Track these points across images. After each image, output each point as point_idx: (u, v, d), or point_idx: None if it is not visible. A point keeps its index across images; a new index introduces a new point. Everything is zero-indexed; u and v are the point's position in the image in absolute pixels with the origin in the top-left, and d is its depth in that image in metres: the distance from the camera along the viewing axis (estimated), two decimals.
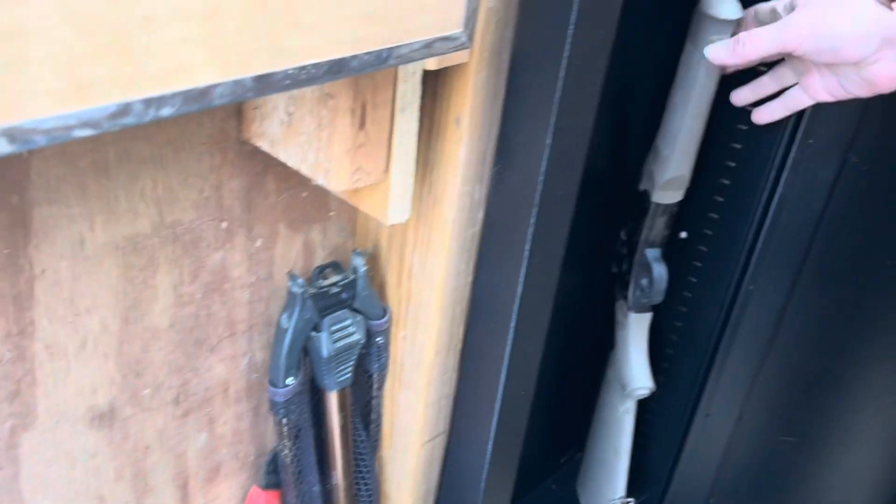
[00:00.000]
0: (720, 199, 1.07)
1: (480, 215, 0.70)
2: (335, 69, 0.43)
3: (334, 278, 0.72)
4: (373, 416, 0.83)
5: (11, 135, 0.32)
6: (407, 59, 0.47)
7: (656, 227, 1.07)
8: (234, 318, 0.71)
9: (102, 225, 0.57)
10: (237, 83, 0.39)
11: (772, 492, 1.25)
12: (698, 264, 1.12)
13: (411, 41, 0.47)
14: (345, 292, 0.72)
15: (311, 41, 0.41)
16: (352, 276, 0.73)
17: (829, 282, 1.05)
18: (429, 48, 0.48)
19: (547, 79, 0.57)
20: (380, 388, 0.81)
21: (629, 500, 1.21)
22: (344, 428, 0.78)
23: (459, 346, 0.76)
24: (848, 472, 1.21)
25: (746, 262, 1.05)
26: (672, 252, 1.13)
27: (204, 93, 0.38)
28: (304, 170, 0.59)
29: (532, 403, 1.21)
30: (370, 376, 0.80)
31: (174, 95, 0.37)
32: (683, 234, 1.13)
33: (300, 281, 0.69)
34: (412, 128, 0.60)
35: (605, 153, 1.05)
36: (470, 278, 0.73)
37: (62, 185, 0.54)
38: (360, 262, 0.73)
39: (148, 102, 0.36)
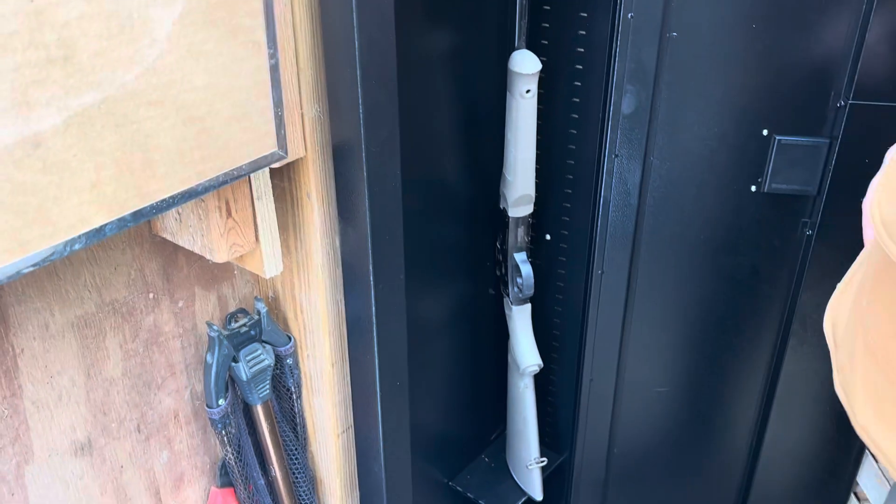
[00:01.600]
0: (568, 205, 1.32)
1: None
2: (186, 196, 0.67)
3: (243, 321, 0.96)
4: (298, 420, 1.06)
5: None
6: (238, 177, 0.71)
7: (518, 235, 1.32)
8: (171, 361, 0.95)
9: (59, 311, 0.81)
10: (120, 220, 0.63)
11: (661, 436, 1.49)
12: (563, 259, 1.38)
13: (240, 165, 0.71)
14: (253, 330, 0.96)
15: (165, 184, 0.65)
16: (257, 317, 0.97)
17: (658, 258, 1.30)
18: (255, 165, 0.72)
19: (355, 163, 0.81)
20: (298, 397, 1.05)
21: (542, 459, 1.45)
22: (272, 432, 1.02)
23: (348, 356, 1.00)
24: (717, 410, 1.45)
25: (592, 253, 1.30)
26: (543, 252, 1.39)
27: (99, 230, 0.62)
28: (196, 250, 0.83)
29: (457, 392, 1.45)
30: (289, 390, 1.04)
31: (80, 236, 0.61)
32: (548, 237, 1.39)
33: (215, 327, 0.93)
34: (270, 209, 0.84)
35: (474, 183, 1.30)
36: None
37: (26, 288, 0.78)
38: (261, 306, 0.97)
39: (66, 244, 0.60)
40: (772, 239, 1.26)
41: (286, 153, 0.75)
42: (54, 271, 0.79)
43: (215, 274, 0.96)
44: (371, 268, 0.87)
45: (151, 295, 0.89)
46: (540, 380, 1.44)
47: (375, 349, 0.93)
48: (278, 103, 0.72)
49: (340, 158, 0.83)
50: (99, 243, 0.83)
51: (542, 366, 1.37)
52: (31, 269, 0.58)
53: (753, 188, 1.21)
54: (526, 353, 1.37)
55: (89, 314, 0.84)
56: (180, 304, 0.93)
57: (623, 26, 1.09)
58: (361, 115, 0.78)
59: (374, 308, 0.90)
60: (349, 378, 1.01)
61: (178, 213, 0.82)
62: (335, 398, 1.03)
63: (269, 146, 0.73)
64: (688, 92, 1.14)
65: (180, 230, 0.83)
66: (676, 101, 1.15)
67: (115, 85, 0.59)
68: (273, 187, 0.86)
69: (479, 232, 1.35)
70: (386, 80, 0.78)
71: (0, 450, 0.80)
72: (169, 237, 0.85)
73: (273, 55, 0.70)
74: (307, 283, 0.95)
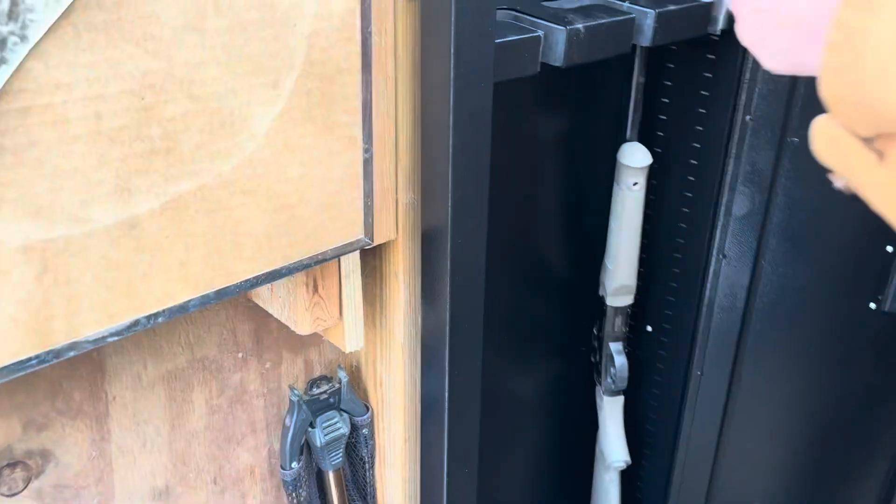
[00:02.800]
0: (672, 299, 1.28)
1: None
2: (271, 277, 0.70)
3: (324, 387, 0.99)
4: (368, 490, 1.07)
5: (75, 347, 0.60)
6: (323, 261, 0.74)
7: (616, 325, 1.29)
8: (253, 419, 0.98)
9: (152, 364, 0.86)
10: (204, 297, 0.66)
11: None
12: (662, 353, 1.33)
13: (325, 250, 0.73)
14: (332, 398, 0.99)
15: (251, 265, 0.69)
16: (337, 385, 0.99)
17: (763, 366, 1.23)
18: (339, 251, 0.75)
19: (440, 252, 0.82)
20: (371, 467, 1.06)
21: None
22: (342, 499, 1.03)
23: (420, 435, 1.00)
24: None
25: (693, 352, 1.25)
26: (642, 344, 1.35)
27: (183, 307, 0.65)
28: (283, 319, 0.86)
29: (539, 478, 1.42)
30: (362, 459, 1.05)
31: (164, 311, 0.64)
32: (649, 328, 1.34)
33: (297, 391, 0.95)
34: (357, 287, 0.86)
35: (574, 267, 1.29)
36: None
37: (125, 342, 0.83)
38: (342, 375, 0.99)
39: (149, 318, 0.64)
40: (890, 360, 1.17)
41: (372, 240, 0.77)
42: (152, 328, 0.84)
43: (304, 339, 0.99)
44: (447, 353, 0.88)
45: (241, 355, 0.93)
46: (627, 474, 1.38)
47: (445, 433, 0.93)
48: (368, 194, 0.74)
49: (427, 245, 0.84)
50: None
51: (631, 462, 1.33)
52: (115, 338, 0.62)
53: (873, 305, 1.13)
54: (614, 447, 1.33)
55: (179, 369, 0.88)
56: (267, 365, 0.97)
57: (741, 128, 1.05)
58: (450, 209, 0.79)
59: (447, 392, 0.90)
60: (419, 456, 1.01)
61: (272, 285, 0.85)
62: (406, 474, 1.03)
63: (356, 234, 0.75)
64: (806, 199, 1.09)
65: (271, 299, 0.87)
66: (793, 208, 1.10)
67: (211, 174, 0.63)
68: (363, 264, 0.88)
69: (575, 317, 1.33)
70: (478, 179, 0.79)
71: (84, 489, 0.85)
72: (261, 304, 0.89)
73: (367, 150, 0.72)
74: (388, 358, 0.96)
